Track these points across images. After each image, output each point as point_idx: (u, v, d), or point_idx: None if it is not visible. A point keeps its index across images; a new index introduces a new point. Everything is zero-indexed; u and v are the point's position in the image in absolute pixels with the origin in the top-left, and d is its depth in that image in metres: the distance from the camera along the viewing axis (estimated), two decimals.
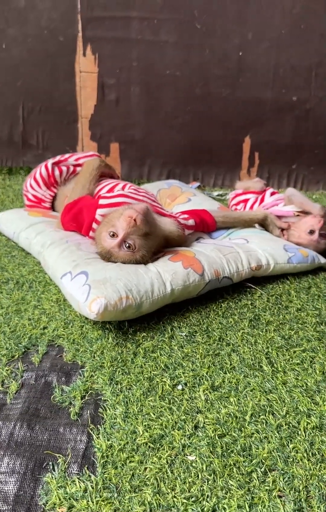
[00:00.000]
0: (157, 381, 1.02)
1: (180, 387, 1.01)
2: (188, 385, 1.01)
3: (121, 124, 2.24)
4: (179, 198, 1.87)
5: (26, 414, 0.92)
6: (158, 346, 1.13)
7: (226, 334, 1.20)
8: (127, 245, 1.26)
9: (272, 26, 2.03)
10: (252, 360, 1.10)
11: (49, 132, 2.28)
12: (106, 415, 0.92)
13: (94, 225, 1.40)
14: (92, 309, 1.10)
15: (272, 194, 1.80)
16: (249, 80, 2.14)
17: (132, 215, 1.22)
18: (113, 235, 1.26)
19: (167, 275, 1.24)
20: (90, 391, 0.99)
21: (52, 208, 1.69)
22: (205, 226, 1.60)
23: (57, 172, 1.65)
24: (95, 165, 1.60)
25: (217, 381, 1.03)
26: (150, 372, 1.04)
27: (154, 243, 1.31)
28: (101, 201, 1.41)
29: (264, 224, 1.68)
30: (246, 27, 2.04)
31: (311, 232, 1.58)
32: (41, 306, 1.27)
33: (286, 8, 2.00)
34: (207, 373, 1.05)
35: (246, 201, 1.82)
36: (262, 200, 1.79)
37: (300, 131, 2.26)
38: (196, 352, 1.12)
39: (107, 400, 0.96)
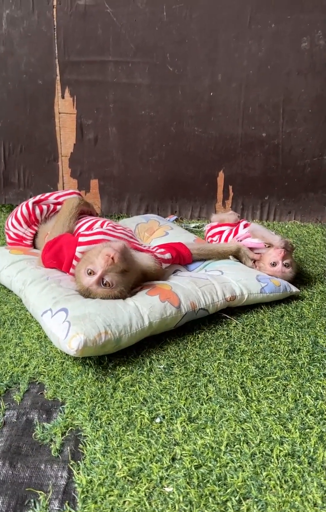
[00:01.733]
0: (136, 415, 1.05)
1: (158, 420, 1.04)
2: (166, 417, 1.05)
3: (100, 161, 2.33)
4: (156, 232, 1.94)
5: (8, 452, 0.95)
6: (137, 380, 1.17)
7: (203, 365, 1.24)
8: (104, 282, 1.31)
9: (240, 67, 2.16)
10: (227, 390, 1.15)
11: (30, 170, 2.36)
12: (86, 450, 0.95)
13: (74, 262, 1.45)
14: (72, 346, 1.14)
15: (245, 226, 1.88)
16: (220, 118, 2.25)
17: (110, 253, 1.28)
18: (91, 272, 1.31)
19: (144, 309, 1.29)
20: (71, 427, 1.02)
21: (33, 245, 1.74)
22: (181, 259, 1.66)
23: (38, 211, 1.71)
24: (75, 204, 1.66)
25: (194, 413, 1.06)
26: (129, 406, 1.08)
27: (132, 278, 1.37)
28: (81, 239, 1.47)
29: (237, 255, 1.74)
30: (216, 69, 2.16)
31: (274, 264, 1.65)
32: (22, 344, 1.30)
33: (252, 50, 2.13)
34: (184, 405, 1.09)
35: (221, 233, 1.89)
36: (235, 232, 1.86)
37: (271, 165, 2.37)
38: (173, 384, 1.16)
39: (87, 436, 0.99)
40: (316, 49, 2.14)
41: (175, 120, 2.25)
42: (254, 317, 1.50)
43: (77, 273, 1.37)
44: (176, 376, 1.19)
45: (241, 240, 1.80)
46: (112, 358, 1.24)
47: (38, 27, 2.12)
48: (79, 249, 1.44)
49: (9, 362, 1.22)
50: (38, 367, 1.21)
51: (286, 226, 2.44)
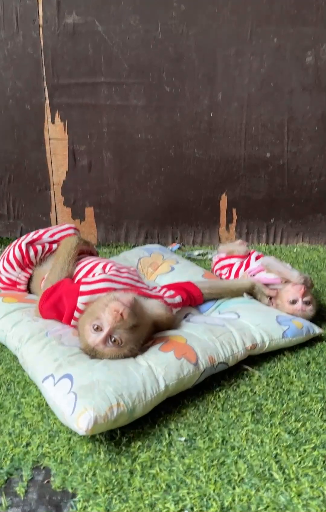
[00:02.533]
0: (160, 508, 0.90)
1: None
2: (195, 509, 0.90)
3: (95, 188, 2.18)
4: (161, 267, 1.79)
5: None
6: (157, 459, 1.01)
7: (229, 435, 1.09)
8: (113, 339, 1.16)
9: (241, 85, 2.03)
10: (260, 467, 0.99)
11: (20, 200, 2.21)
12: None
13: (76, 314, 1.30)
14: (80, 425, 0.99)
15: (257, 257, 1.74)
16: (221, 140, 2.12)
17: (119, 309, 1.13)
18: (98, 328, 1.16)
19: (159, 369, 1.14)
20: None
21: (28, 289, 1.58)
22: (192, 300, 1.52)
23: (32, 253, 1.54)
24: (73, 244, 1.51)
25: (227, 500, 0.91)
26: (151, 495, 0.92)
27: (143, 333, 1.22)
28: (83, 288, 1.31)
29: (251, 292, 1.60)
30: (215, 88, 2.03)
31: (293, 301, 1.51)
32: (22, 415, 1.14)
33: (253, 68, 2.00)
34: (214, 491, 0.93)
35: (230, 266, 1.75)
36: (247, 265, 1.72)
37: (276, 186, 2.24)
38: (198, 462, 1.00)
39: None
40: (321, 64, 2.01)
41: (174, 143, 2.11)
42: (277, 366, 1.35)
43: (81, 328, 1.21)
44: (200, 452, 1.04)
45: (254, 275, 1.66)
46: (125, 430, 1.09)
47: (23, 48, 1.98)
48: (81, 299, 1.29)
49: (9, 441, 1.06)
50: (42, 447, 1.05)
51: (295, 250, 2.31)
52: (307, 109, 2.09)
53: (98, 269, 1.44)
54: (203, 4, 1.92)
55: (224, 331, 1.33)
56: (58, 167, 2.15)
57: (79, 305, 1.29)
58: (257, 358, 1.38)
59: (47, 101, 2.04)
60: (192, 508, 0.90)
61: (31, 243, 1.55)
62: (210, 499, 0.92)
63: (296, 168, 2.20)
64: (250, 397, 1.22)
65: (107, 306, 1.16)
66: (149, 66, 1.99)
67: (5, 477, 0.97)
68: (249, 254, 1.76)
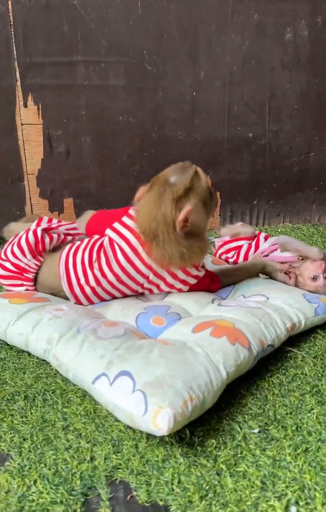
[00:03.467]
0: (264, 508, 0.82)
1: (293, 510, 0.82)
2: (300, 503, 0.83)
3: (74, 177, 2.03)
4: None
5: None
6: (238, 455, 0.93)
7: (300, 420, 1.03)
8: None
9: (223, 63, 1.96)
10: None
11: None
12: None
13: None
14: (160, 425, 0.88)
15: (266, 238, 1.69)
16: (204, 121, 2.04)
17: None
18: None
19: (217, 357, 1.06)
20: None
21: (35, 280, 1.43)
22: (211, 283, 1.44)
23: (47, 239, 1.43)
24: None
25: None
26: (249, 495, 0.84)
27: None
28: None
29: (265, 272, 1.56)
30: (198, 66, 1.95)
31: (314, 278, 1.49)
32: (72, 427, 1.01)
33: (235, 45, 1.94)
34: (311, 480, 0.87)
35: (238, 248, 1.69)
36: (256, 246, 1.67)
37: (258, 166, 2.20)
38: (282, 453, 0.93)
39: None
40: (300, 41, 1.99)
41: (156, 125, 2.01)
42: (317, 345, 1.31)
43: None
44: (279, 442, 0.97)
45: (267, 255, 1.61)
46: (193, 429, 0.99)
47: None
48: None
49: (70, 458, 0.93)
50: (109, 459, 0.93)
51: (279, 230, 2.29)
52: (287, 87, 2.07)
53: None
54: None
55: (263, 313, 1.26)
56: (32, 155, 1.98)
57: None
58: (293, 339, 1.33)
59: (18, 83, 1.86)
60: (296, 502, 0.83)
61: (46, 230, 1.44)
62: (310, 489, 0.85)
63: (277, 148, 2.18)
64: (302, 379, 1.17)
65: None
66: (130, 44, 1.87)
67: (82, 499, 0.84)
68: (257, 235, 1.71)
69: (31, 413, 1.05)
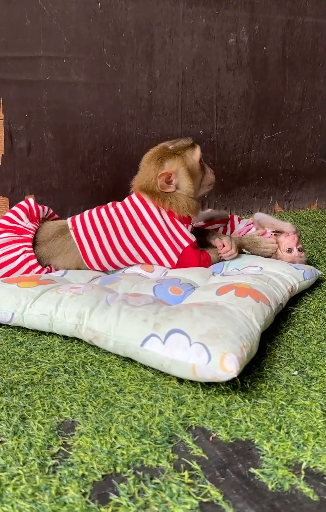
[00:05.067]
0: None
1: None
2: None
3: (35, 173, 2.01)
4: None
5: None
6: (291, 393, 1.01)
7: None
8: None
9: (176, 63, 2.09)
10: None
11: None
12: None
13: None
14: (228, 369, 0.93)
15: (239, 220, 1.81)
16: (160, 118, 2.14)
17: None
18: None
19: (248, 312, 1.13)
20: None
21: (34, 241, 1.48)
22: (203, 260, 1.53)
23: (40, 207, 1.54)
24: None
25: None
26: (316, 420, 0.92)
27: None
28: None
29: (245, 248, 1.67)
30: (153, 65, 2.05)
31: (289, 250, 1.64)
32: (126, 389, 1.02)
33: (186, 46, 2.08)
34: None
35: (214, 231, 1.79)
36: (232, 227, 1.78)
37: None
38: None
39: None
40: (241, 45, 2.19)
41: (116, 121, 2.07)
42: (311, 305, 1.44)
43: None
44: (319, 379, 1.06)
45: (243, 235, 1.73)
46: (241, 377, 1.05)
47: None
48: None
49: (138, 414, 0.94)
50: (176, 410, 0.95)
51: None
52: (231, 88, 2.25)
53: None
54: None
55: (267, 278, 1.37)
56: None
57: None
58: (289, 302, 1.45)
59: None
60: None
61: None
62: None
63: (223, 144, 2.34)
64: (312, 331, 1.29)
65: None
66: (90, 41, 1.92)
67: (170, 446, 0.86)
68: (230, 218, 1.82)
69: (79, 383, 1.04)
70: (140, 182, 1.50)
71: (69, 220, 1.52)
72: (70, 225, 1.49)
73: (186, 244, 1.47)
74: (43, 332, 1.25)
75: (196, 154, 1.50)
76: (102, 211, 1.51)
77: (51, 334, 1.24)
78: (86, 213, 1.53)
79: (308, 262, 1.70)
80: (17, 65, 1.84)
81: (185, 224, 1.49)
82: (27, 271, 1.43)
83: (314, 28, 2.36)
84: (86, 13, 1.88)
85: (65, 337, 1.23)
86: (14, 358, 1.13)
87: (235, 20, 2.13)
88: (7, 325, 1.28)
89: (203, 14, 2.07)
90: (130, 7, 1.94)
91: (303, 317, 1.37)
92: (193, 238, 1.49)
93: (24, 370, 1.08)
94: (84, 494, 0.75)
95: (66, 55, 1.90)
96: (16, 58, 1.83)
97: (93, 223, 1.47)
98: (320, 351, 1.18)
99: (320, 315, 1.37)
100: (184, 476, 0.79)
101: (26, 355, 1.14)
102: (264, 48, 2.27)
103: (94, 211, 1.52)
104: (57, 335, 1.23)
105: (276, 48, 2.30)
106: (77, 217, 1.51)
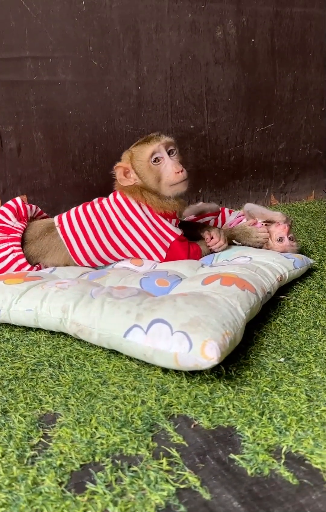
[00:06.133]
0: (318, 413, 0.89)
1: None
2: None
3: (26, 173, 2.02)
4: None
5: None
6: (276, 380, 1.00)
7: (315, 347, 1.12)
8: None
9: (163, 59, 2.08)
10: None
11: None
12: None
13: None
14: (209, 356, 0.93)
15: (230, 212, 1.81)
16: (150, 114, 2.14)
17: None
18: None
19: (233, 301, 1.13)
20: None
21: (22, 240, 1.49)
22: (193, 253, 1.52)
23: (28, 207, 1.54)
24: None
25: None
26: (300, 406, 0.91)
27: None
28: None
29: (236, 239, 1.65)
30: (141, 62, 2.05)
31: (280, 239, 1.62)
32: (110, 381, 1.02)
33: (173, 41, 2.08)
34: None
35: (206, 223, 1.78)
36: (223, 220, 1.77)
37: (201, 157, 2.34)
38: (312, 373, 1.02)
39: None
40: (229, 38, 2.18)
41: (105, 118, 2.07)
42: (301, 293, 1.43)
43: None
44: (305, 365, 1.05)
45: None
46: (224, 365, 1.04)
47: None
48: None
49: (120, 404, 0.94)
50: (159, 399, 0.95)
51: None
52: (220, 81, 2.24)
53: None
54: None
55: (255, 267, 1.36)
56: None
57: None
58: (280, 291, 1.43)
59: None
60: None
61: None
62: None
63: (215, 138, 2.34)
64: (301, 319, 1.28)
65: None
66: (76, 40, 1.92)
67: (151, 434, 0.86)
68: (221, 210, 1.81)
69: (63, 377, 1.04)
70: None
71: (56, 218, 1.52)
72: (56, 223, 1.50)
73: (172, 238, 1.47)
74: (31, 329, 1.25)
75: (145, 152, 1.45)
76: (88, 207, 1.51)
77: (38, 330, 1.24)
78: (72, 210, 1.53)
79: (301, 252, 1.69)
80: (4, 66, 1.85)
81: (167, 219, 1.48)
82: (17, 270, 1.43)
83: (303, 17, 2.34)
84: (70, 12, 1.89)
85: (52, 332, 1.23)
86: None
87: (222, 13, 2.13)
88: None
89: (188, 8, 2.06)
90: (115, 4, 1.94)
91: (293, 305, 1.35)
92: (178, 232, 1.49)
93: (8, 365, 1.08)
94: (60, 484, 0.75)
95: (52, 54, 1.91)
96: (2, 59, 1.84)
97: (79, 220, 1.48)
98: (308, 337, 1.17)
99: (310, 303, 1.36)
100: (162, 463, 0.79)
101: (12, 351, 1.15)
102: (253, 40, 2.26)
103: (80, 208, 1.53)
104: (44, 330, 1.23)
105: (264, 39, 2.29)
106: (64, 215, 1.52)
